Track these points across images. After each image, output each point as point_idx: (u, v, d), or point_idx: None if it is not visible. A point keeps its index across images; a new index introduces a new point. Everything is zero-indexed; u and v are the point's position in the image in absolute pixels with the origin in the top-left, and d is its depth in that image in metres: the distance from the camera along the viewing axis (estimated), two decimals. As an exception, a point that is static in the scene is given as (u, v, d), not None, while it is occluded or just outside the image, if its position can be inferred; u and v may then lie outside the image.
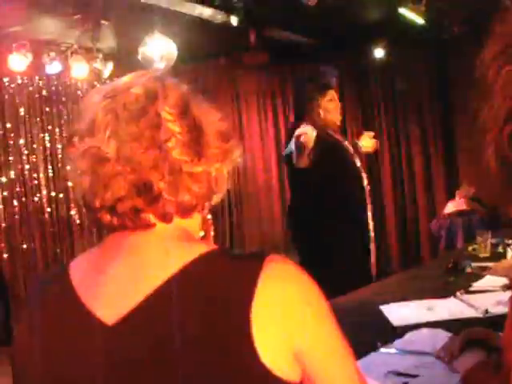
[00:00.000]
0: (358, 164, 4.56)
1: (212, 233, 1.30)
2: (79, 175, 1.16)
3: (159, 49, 6.52)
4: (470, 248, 4.42)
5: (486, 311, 2.67)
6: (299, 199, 4.60)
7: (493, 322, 2.48)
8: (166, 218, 1.15)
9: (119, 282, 1.15)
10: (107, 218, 1.15)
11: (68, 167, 1.20)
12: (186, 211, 1.18)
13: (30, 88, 7.85)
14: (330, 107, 4.40)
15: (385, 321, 2.71)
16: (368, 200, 4.63)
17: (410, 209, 9.19)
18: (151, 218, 1.15)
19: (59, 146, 8.10)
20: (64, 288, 1.20)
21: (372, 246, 4.70)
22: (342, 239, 4.41)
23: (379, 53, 8.44)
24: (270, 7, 6.85)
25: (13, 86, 7.67)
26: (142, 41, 6.76)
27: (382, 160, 9.16)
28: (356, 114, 9.17)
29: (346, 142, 4.62)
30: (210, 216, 1.29)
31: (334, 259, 4.34)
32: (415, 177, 9.14)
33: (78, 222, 8.21)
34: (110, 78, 8.01)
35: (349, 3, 6.87)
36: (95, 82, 8.14)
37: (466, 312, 2.71)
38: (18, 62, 7.02)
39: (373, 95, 9.16)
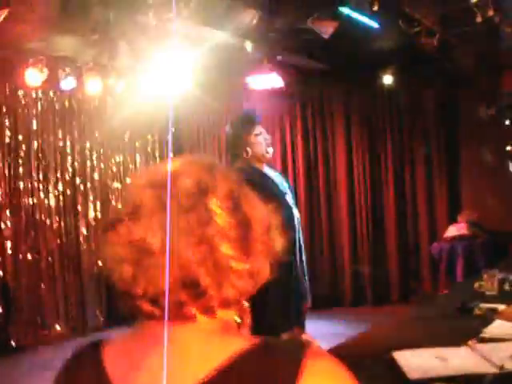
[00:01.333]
0: (290, 200, 4.55)
1: (248, 320, 1.26)
2: (119, 261, 1.13)
3: (174, 70, 6.62)
4: (476, 285, 4.48)
5: (502, 367, 2.71)
6: None
7: (509, 378, 2.56)
8: (208, 311, 1.14)
9: (157, 374, 1.12)
10: (148, 307, 1.14)
11: (105, 250, 1.17)
12: (228, 305, 1.16)
13: (44, 102, 7.92)
14: (258, 141, 4.55)
15: (398, 371, 2.75)
16: (298, 243, 4.53)
17: (411, 232, 9.31)
18: (193, 310, 1.13)
19: (69, 158, 8.20)
20: (98, 375, 1.18)
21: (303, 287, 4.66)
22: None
23: (388, 79, 8.55)
24: (283, 33, 6.95)
25: (27, 99, 7.75)
26: (157, 60, 6.87)
27: (387, 183, 9.28)
28: (362, 138, 9.29)
29: (277, 177, 4.74)
30: (246, 304, 1.25)
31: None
32: (417, 200, 9.26)
33: (85, 233, 8.29)
34: (122, 94, 8.14)
35: (361, 31, 6.98)
36: (108, 98, 8.27)
37: (481, 366, 2.73)
38: (34, 76, 7.12)
39: (379, 120, 9.28)
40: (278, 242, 1.23)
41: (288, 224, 4.08)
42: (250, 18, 5.34)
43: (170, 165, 1.19)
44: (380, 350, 3.04)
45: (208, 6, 5.70)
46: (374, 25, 5.60)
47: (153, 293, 1.11)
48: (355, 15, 5.47)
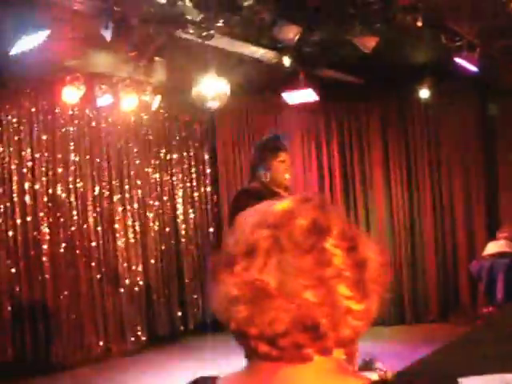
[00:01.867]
0: None
1: (356, 357, 1.29)
2: (233, 301, 1.12)
3: (212, 88, 6.58)
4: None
5: None
6: None
7: None
8: (325, 352, 1.14)
9: None
10: (265, 348, 1.13)
11: (217, 289, 1.16)
12: (344, 345, 1.16)
13: (81, 119, 7.96)
14: (280, 168, 4.75)
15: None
16: None
17: (449, 248, 9.17)
18: (310, 351, 1.13)
19: (106, 176, 8.22)
20: None
21: None
22: None
23: (424, 93, 8.43)
24: (320, 47, 6.91)
25: (64, 116, 7.76)
26: (194, 77, 6.85)
27: (424, 197, 9.17)
28: (399, 151, 9.20)
29: None
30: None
31: None
32: (455, 215, 9.13)
33: (124, 251, 8.28)
34: (157, 110, 8.13)
35: (399, 45, 6.93)
36: (142, 114, 8.27)
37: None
38: (71, 94, 7.13)
39: (416, 134, 9.18)
40: (387, 280, 1.20)
41: None
42: (293, 33, 5.30)
43: (281, 204, 1.18)
44: (445, 376, 2.97)
45: (247, 22, 5.68)
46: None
47: (270, 334, 1.10)
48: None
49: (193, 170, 9.28)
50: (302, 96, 8.01)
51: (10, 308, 7.18)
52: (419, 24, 5.14)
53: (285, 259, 1.09)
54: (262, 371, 1.17)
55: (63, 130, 7.79)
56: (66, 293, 7.67)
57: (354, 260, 1.13)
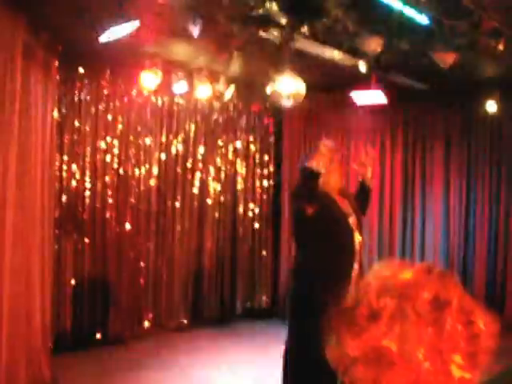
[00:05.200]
0: (351, 222, 4.92)
1: None
2: (352, 361, 1.18)
3: (288, 86, 6.67)
4: None
5: None
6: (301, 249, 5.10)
7: None
8: None
9: None
10: None
11: (338, 345, 1.21)
12: None
13: (154, 105, 8.20)
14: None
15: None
16: (356, 259, 4.83)
17: (500, 258, 9.11)
18: None
19: (172, 159, 8.44)
20: None
21: None
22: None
23: (492, 106, 8.31)
24: (393, 53, 6.95)
25: (139, 101, 7.98)
26: (269, 73, 6.96)
27: (483, 211, 9.18)
28: (460, 162, 9.22)
29: (343, 203, 5.03)
30: None
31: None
32: (510, 228, 9.09)
33: (180, 229, 8.50)
34: (230, 101, 8.29)
35: (472, 59, 6.94)
36: (214, 103, 8.43)
37: None
38: (149, 79, 7.27)
39: (479, 147, 9.17)
40: (494, 349, 1.23)
41: (348, 247, 4.49)
42: (376, 45, 5.40)
43: (406, 273, 1.23)
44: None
45: (330, 29, 5.77)
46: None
47: None
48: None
49: (257, 161, 9.39)
50: (371, 98, 8.08)
51: (72, 282, 7.46)
52: (501, 48, 5.19)
53: (408, 329, 1.14)
54: None
55: (138, 113, 8.00)
56: (125, 270, 7.92)
57: (470, 333, 1.17)
